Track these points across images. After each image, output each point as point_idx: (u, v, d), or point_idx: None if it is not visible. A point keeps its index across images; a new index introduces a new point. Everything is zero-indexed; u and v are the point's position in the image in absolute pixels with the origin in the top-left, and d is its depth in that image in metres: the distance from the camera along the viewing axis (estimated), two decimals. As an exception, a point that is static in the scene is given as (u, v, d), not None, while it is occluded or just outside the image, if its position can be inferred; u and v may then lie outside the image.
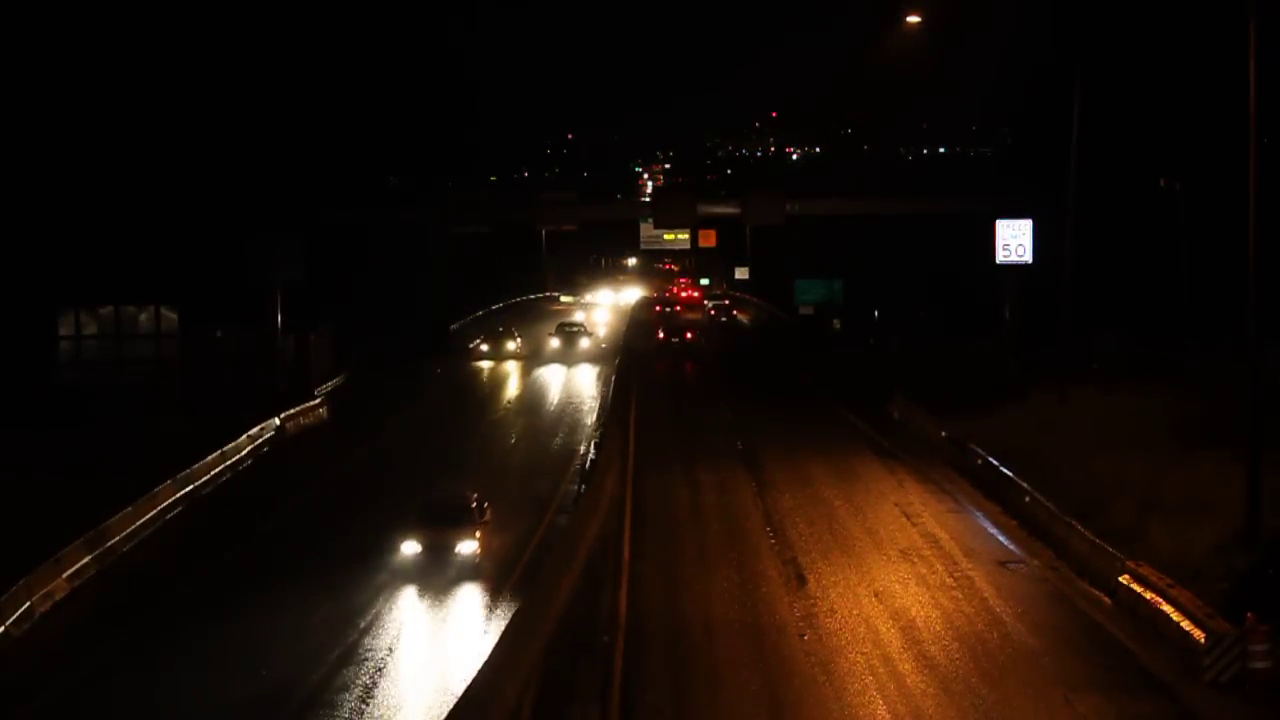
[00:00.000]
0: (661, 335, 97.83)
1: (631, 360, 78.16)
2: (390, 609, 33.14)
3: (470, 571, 35.29)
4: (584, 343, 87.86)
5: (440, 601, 33.89)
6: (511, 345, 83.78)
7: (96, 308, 58.80)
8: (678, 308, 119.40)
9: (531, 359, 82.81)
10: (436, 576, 34.94)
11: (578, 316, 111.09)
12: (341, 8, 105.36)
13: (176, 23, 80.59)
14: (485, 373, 78.82)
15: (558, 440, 56.91)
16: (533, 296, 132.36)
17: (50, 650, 29.86)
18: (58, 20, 74.68)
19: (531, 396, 69.98)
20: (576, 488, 45.40)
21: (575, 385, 72.67)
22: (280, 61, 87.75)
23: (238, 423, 51.19)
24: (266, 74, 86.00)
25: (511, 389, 73.07)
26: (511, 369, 79.57)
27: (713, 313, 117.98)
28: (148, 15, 78.75)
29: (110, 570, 35.57)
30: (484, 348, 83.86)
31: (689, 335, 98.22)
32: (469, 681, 24.34)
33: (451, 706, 23.43)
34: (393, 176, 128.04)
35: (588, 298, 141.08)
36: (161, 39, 79.60)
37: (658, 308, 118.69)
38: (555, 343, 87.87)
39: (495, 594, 34.20)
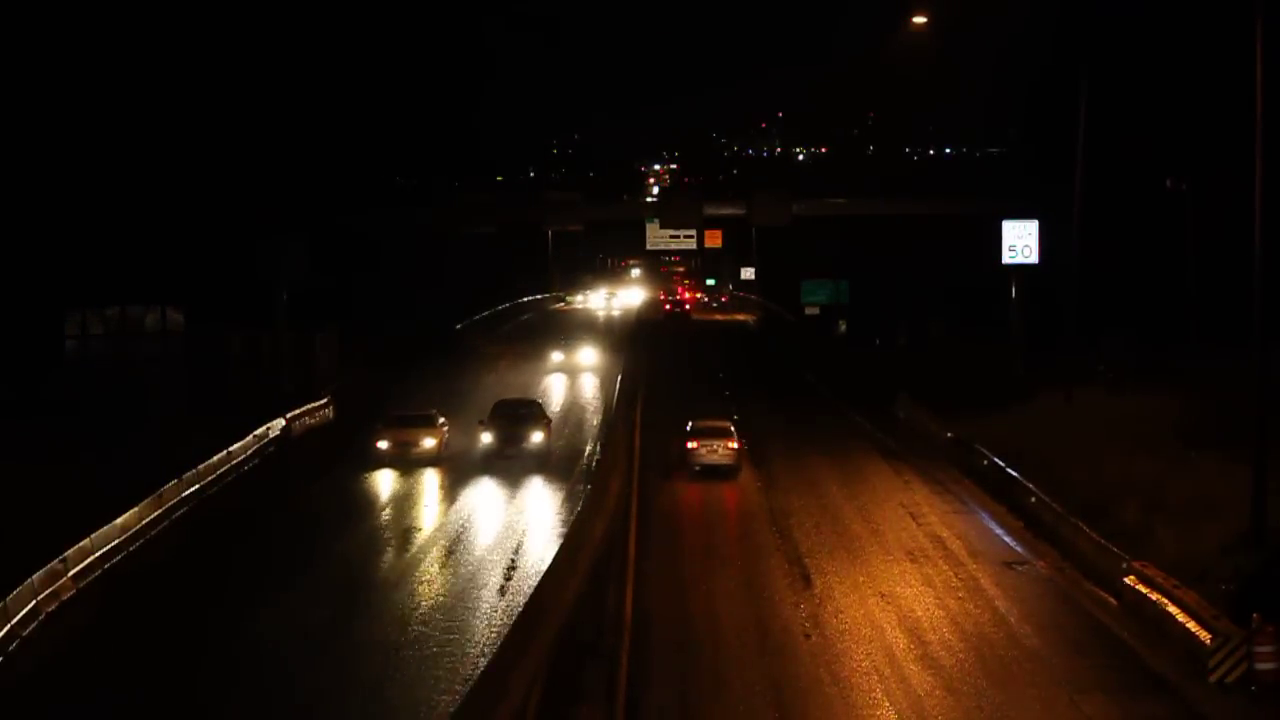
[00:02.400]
0: (667, 307, 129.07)
1: (637, 365, 77.73)
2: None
3: None
4: (536, 438, 52.07)
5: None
6: (429, 442, 51.00)
7: (103, 308, 58.91)
8: (685, 297, 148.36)
9: (459, 464, 50.83)
10: None
11: (556, 358, 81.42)
12: (348, 9, 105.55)
13: (182, 25, 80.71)
14: (380, 495, 47.07)
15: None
16: (538, 296, 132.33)
17: (53, 650, 29.85)
18: (66, 21, 74.78)
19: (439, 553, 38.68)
20: None
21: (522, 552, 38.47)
22: (286, 63, 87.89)
23: (243, 423, 51.22)
24: (273, 75, 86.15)
25: (420, 533, 41.45)
26: (427, 485, 48.22)
27: (706, 299, 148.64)
28: (151, 17, 78.86)
29: (116, 570, 35.57)
30: (383, 445, 50.93)
31: (687, 305, 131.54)
32: None
33: None
34: (399, 177, 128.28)
35: (579, 300, 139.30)
36: (168, 42, 79.74)
37: (663, 295, 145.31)
38: (488, 438, 51.75)
39: None
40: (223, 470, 46.56)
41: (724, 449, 47.61)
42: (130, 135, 76.09)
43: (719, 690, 27.15)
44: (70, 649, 29.94)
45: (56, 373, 58.11)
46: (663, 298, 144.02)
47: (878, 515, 41.87)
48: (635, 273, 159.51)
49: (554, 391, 70.96)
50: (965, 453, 48.55)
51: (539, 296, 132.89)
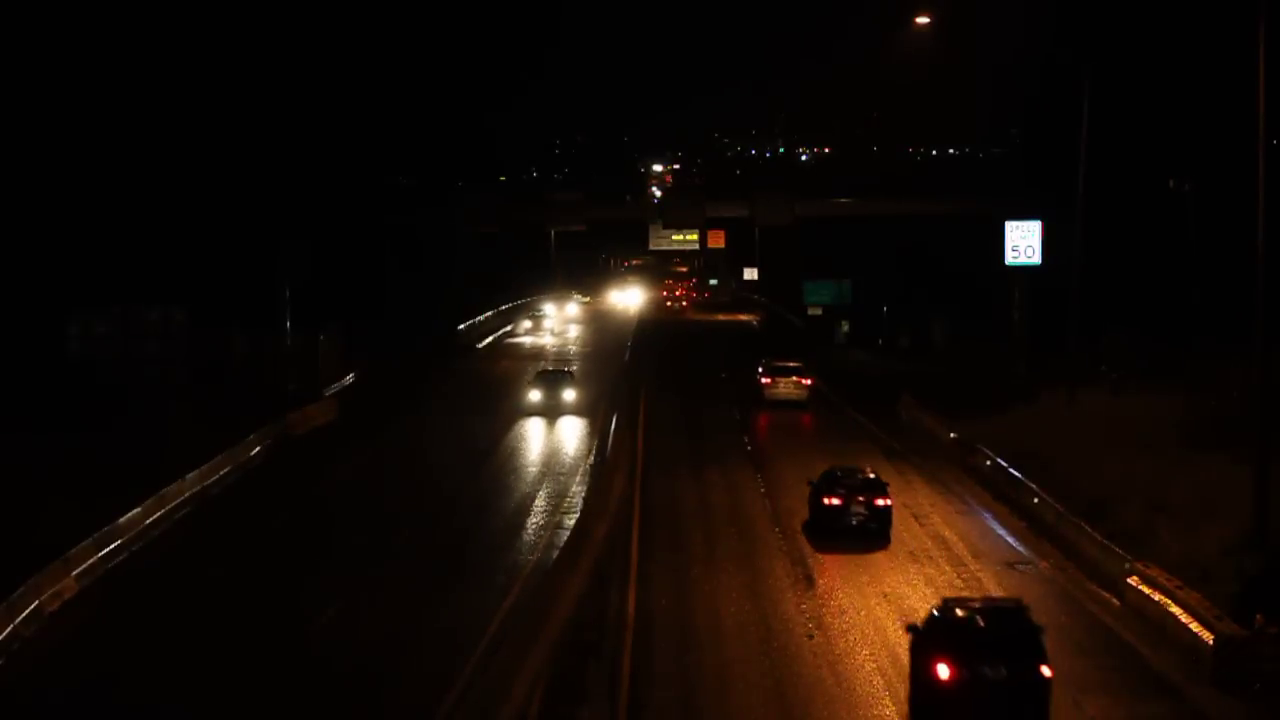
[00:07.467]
0: (664, 293, 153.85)
1: (639, 360, 77.71)
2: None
3: None
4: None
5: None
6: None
7: (106, 308, 58.82)
8: (679, 293, 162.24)
9: None
10: None
11: None
12: (354, 9, 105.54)
13: (184, 25, 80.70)
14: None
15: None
16: (537, 297, 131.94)
17: (55, 649, 29.87)
18: (71, 19, 74.79)
19: None
20: None
21: None
22: (291, 63, 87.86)
23: (247, 422, 51.20)
24: (277, 76, 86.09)
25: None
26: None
27: (693, 293, 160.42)
28: (153, 16, 78.84)
29: (118, 570, 35.58)
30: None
31: (678, 291, 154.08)
32: None
33: None
34: (403, 177, 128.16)
35: (524, 328, 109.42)
36: (173, 41, 79.73)
37: (664, 292, 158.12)
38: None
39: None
40: (225, 470, 46.54)
41: (680, 290, 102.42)
42: (134, 135, 76.03)
43: (722, 690, 27.15)
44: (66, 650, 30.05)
45: (60, 372, 57.97)
46: (664, 295, 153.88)
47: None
48: (633, 290, 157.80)
49: None
50: (968, 453, 48.53)
51: (538, 296, 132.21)
